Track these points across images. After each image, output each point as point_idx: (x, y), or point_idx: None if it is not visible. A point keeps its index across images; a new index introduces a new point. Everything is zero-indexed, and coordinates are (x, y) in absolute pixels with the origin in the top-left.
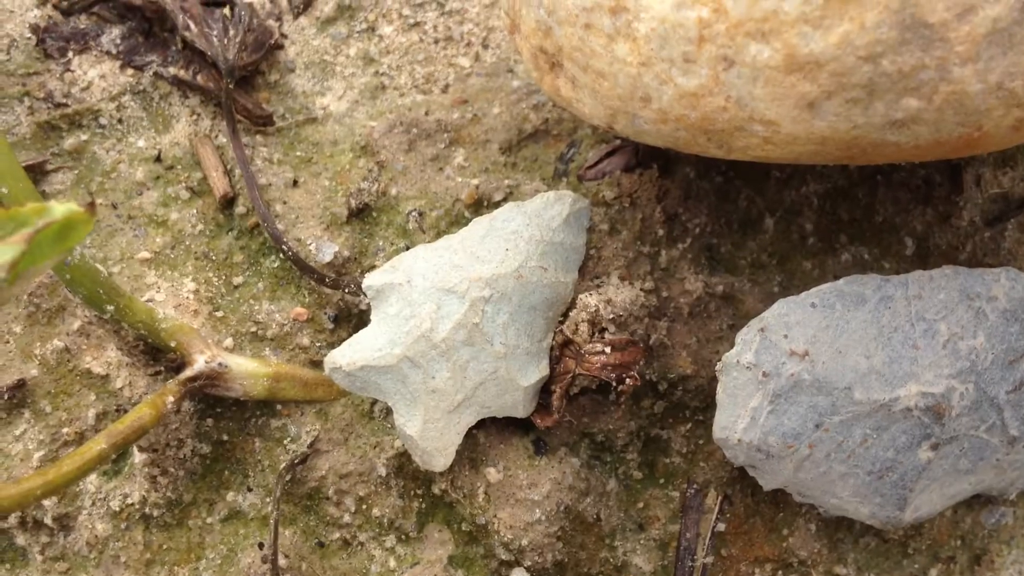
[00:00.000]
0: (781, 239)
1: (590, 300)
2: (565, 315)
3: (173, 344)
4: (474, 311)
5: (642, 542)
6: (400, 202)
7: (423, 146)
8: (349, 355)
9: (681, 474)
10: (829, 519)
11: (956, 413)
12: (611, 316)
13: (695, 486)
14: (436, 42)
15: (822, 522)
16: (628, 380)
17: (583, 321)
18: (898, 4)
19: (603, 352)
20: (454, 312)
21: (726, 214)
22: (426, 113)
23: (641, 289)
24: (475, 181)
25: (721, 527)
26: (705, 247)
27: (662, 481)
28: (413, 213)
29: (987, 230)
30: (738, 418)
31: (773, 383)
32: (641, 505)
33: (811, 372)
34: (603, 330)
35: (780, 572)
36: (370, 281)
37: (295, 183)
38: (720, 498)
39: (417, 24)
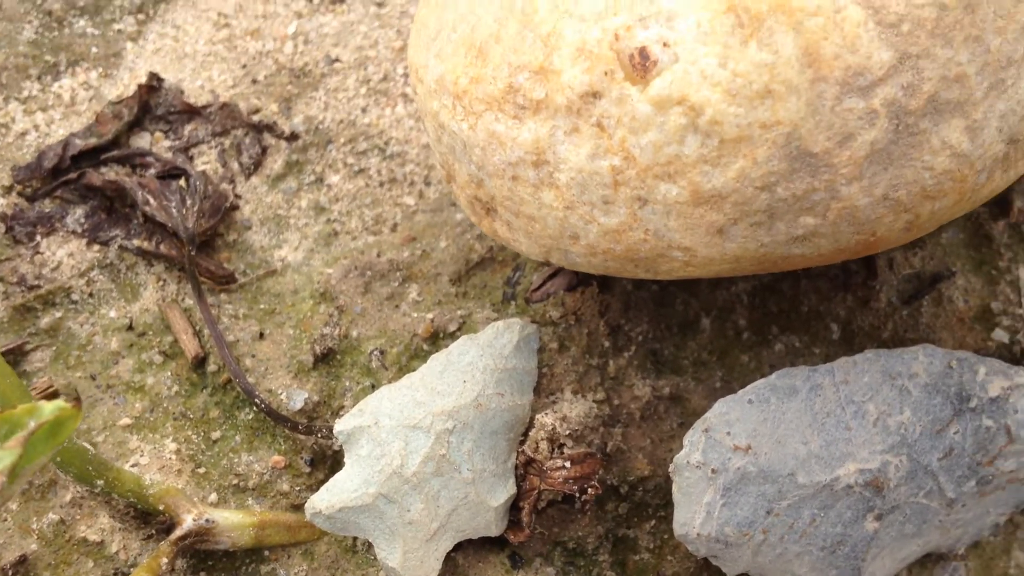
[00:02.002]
0: (718, 336)
1: (546, 420)
2: (525, 435)
3: (161, 507)
4: (440, 443)
5: None
6: (362, 343)
7: (378, 287)
8: (327, 499)
9: (651, 569)
10: None
11: (894, 484)
12: (567, 432)
13: None
14: (381, 185)
15: None
16: (590, 490)
17: (542, 439)
18: (784, 139)
19: (564, 467)
20: (421, 446)
21: (665, 319)
22: (378, 255)
23: (593, 400)
24: (429, 315)
25: None
26: (649, 352)
27: None
28: (375, 352)
29: (904, 308)
30: (695, 514)
31: (722, 478)
32: None
33: (755, 464)
34: (562, 445)
35: None
36: (340, 426)
37: (261, 335)
38: None
39: (362, 170)
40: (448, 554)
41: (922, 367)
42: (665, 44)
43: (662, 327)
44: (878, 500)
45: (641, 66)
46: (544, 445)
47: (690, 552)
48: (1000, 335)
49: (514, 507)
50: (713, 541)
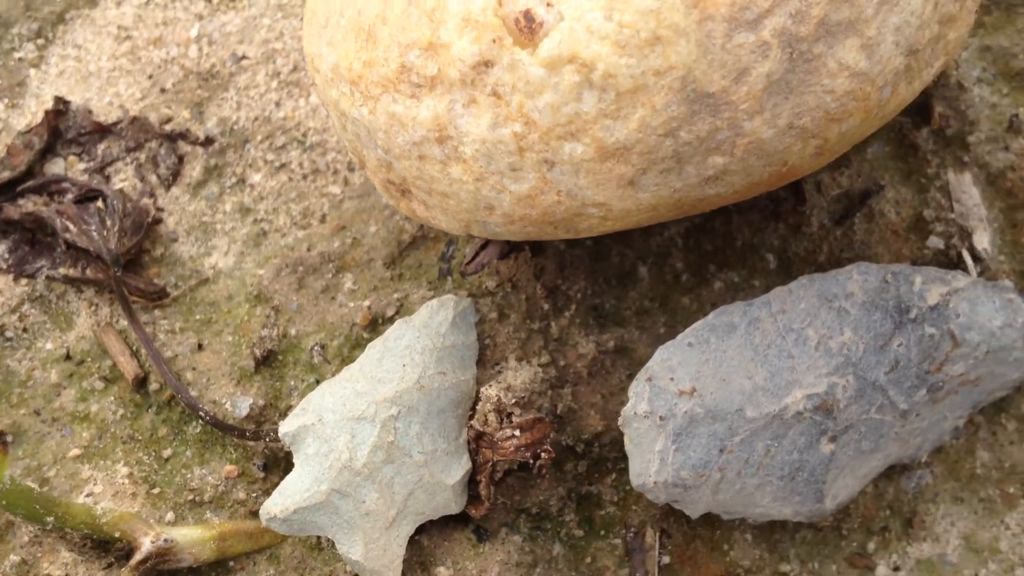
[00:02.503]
0: (657, 283)
1: (491, 392)
2: (474, 409)
3: (117, 534)
4: (386, 430)
5: None
6: (301, 340)
7: (312, 281)
8: (281, 503)
9: (618, 521)
10: (763, 525)
11: (844, 404)
12: (513, 400)
13: (633, 529)
14: (304, 177)
15: (757, 529)
16: (543, 454)
17: (490, 411)
18: (679, 84)
19: (514, 436)
20: (368, 437)
21: (602, 273)
22: (308, 249)
23: (538, 365)
24: (366, 303)
25: (666, 559)
26: (590, 308)
27: (603, 532)
28: (316, 347)
29: (837, 229)
30: (649, 463)
31: (671, 424)
32: (589, 560)
33: (702, 405)
34: (510, 414)
35: None
36: (285, 428)
37: (200, 347)
38: (658, 534)
39: (283, 165)
40: (412, 538)
41: (857, 286)
42: (549, 4)
43: (600, 281)
44: (830, 422)
45: (528, 29)
46: (492, 417)
47: None
48: (935, 242)
49: (472, 482)
50: (671, 486)
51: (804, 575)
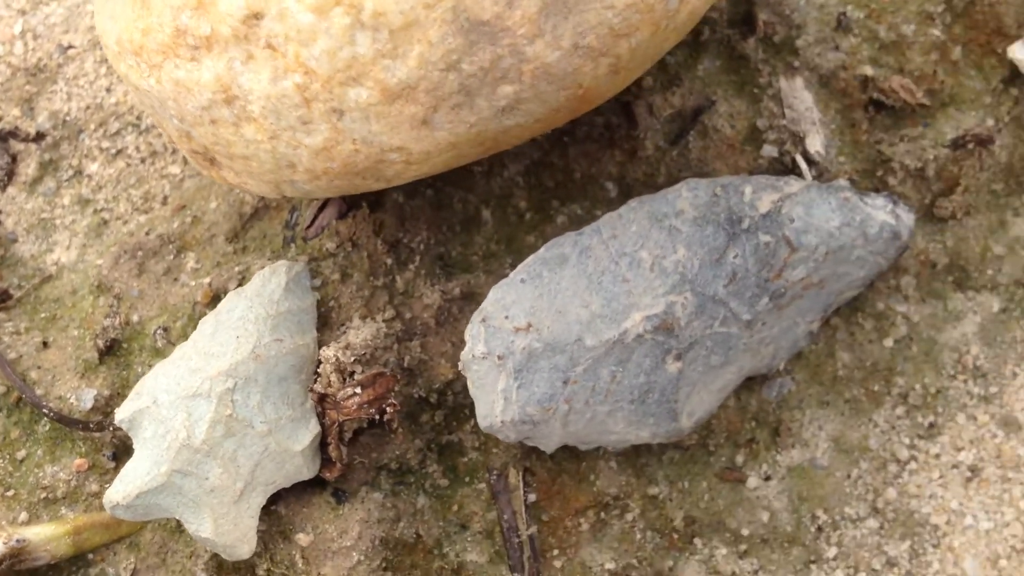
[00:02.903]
0: (501, 224)
1: (328, 352)
2: (317, 373)
3: None
4: (223, 404)
5: (469, 539)
6: (145, 325)
7: (153, 264)
8: (122, 489)
9: (481, 466)
10: (628, 451)
11: (685, 322)
12: (353, 358)
13: (495, 472)
14: (143, 161)
15: (622, 456)
16: (389, 409)
17: (330, 372)
18: (451, 15)
19: (355, 394)
20: (205, 413)
21: (445, 221)
22: (147, 233)
23: (383, 320)
24: (207, 279)
25: (532, 497)
26: (436, 258)
27: (467, 479)
28: (158, 331)
29: (673, 149)
30: (493, 404)
31: (510, 362)
32: (456, 507)
33: (540, 339)
34: (352, 373)
35: (602, 514)
36: (121, 415)
37: (45, 344)
38: (521, 473)
39: (120, 151)
40: (268, 508)
41: (687, 202)
42: None
43: (443, 230)
44: (673, 341)
45: None
46: (334, 377)
47: None
48: (769, 150)
49: (323, 445)
50: (519, 424)
51: (674, 495)
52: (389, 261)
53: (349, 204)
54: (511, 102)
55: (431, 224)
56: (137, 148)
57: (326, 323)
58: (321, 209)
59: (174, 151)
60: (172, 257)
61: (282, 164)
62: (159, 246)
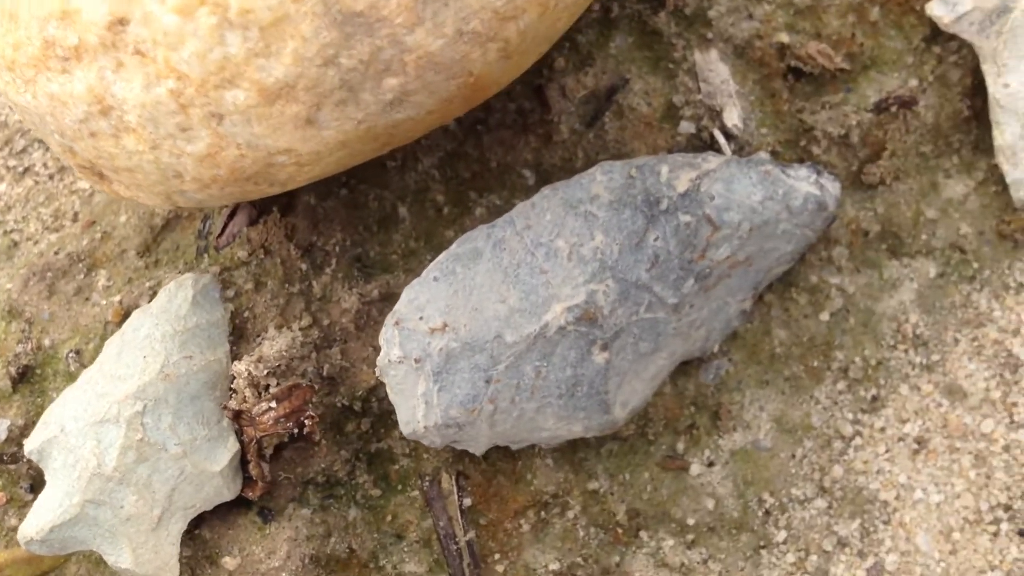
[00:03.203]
0: (419, 220)
1: (240, 366)
2: (233, 388)
3: None
4: (133, 429)
5: (406, 550)
6: (57, 349)
7: (63, 285)
8: (35, 523)
9: (413, 473)
10: (564, 447)
11: (608, 310)
12: (267, 371)
13: (427, 478)
14: (51, 178)
15: (558, 452)
16: (307, 421)
17: (244, 387)
18: (322, 7)
19: (271, 408)
20: (115, 439)
21: (361, 221)
22: (56, 252)
23: (299, 329)
24: (117, 297)
25: (468, 501)
26: (353, 260)
27: (400, 487)
28: (71, 355)
29: (589, 132)
30: (415, 409)
31: (428, 364)
32: (390, 517)
33: (457, 339)
34: (267, 387)
35: (542, 513)
36: (30, 446)
37: None
38: (454, 477)
39: (28, 169)
40: (192, 532)
41: (602, 186)
42: None
43: (360, 230)
44: (597, 331)
45: None
46: (249, 392)
47: None
48: (686, 127)
49: (244, 463)
50: (444, 428)
51: (615, 488)
52: (304, 266)
53: (259, 210)
54: (398, 95)
55: (346, 225)
56: (45, 165)
57: (242, 335)
58: (231, 217)
59: None
60: (83, 276)
61: (168, 174)
62: (68, 265)
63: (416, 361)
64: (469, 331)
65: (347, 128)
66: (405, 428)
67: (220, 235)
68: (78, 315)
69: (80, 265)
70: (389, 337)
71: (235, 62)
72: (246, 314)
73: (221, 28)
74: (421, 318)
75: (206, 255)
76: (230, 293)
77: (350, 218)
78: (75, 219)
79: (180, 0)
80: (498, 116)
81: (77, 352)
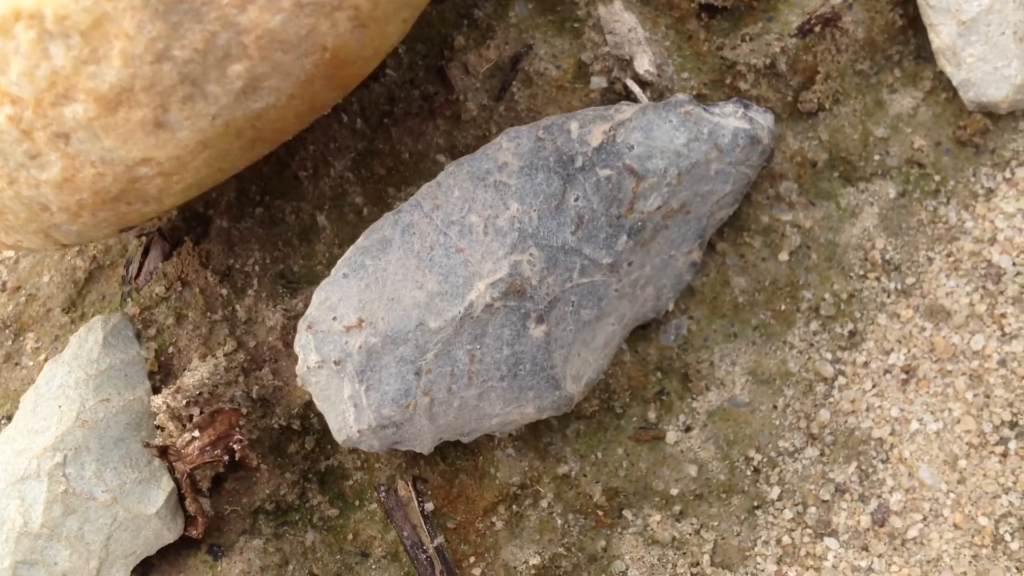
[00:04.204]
0: (340, 225)
1: (158, 400)
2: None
3: None
4: (55, 481)
5: (374, 567)
6: None
7: None
8: None
9: (368, 485)
10: (525, 434)
11: (537, 280)
12: (185, 402)
13: (383, 488)
14: None
15: (518, 441)
16: (236, 446)
17: (167, 421)
18: (140, 0)
19: (194, 438)
20: (39, 495)
21: (280, 236)
22: None
23: (223, 355)
24: (42, 357)
25: (430, 506)
26: (277, 276)
27: (357, 502)
28: (3, 421)
29: (499, 105)
30: (344, 414)
31: (349, 365)
32: (351, 536)
33: (376, 333)
34: (191, 417)
35: (513, 507)
36: None
37: None
38: (411, 482)
39: None
40: None
41: (509, 153)
42: None
43: (280, 246)
44: (529, 303)
45: None
46: (172, 425)
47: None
48: (597, 82)
49: (182, 501)
50: (379, 429)
51: (588, 469)
52: (224, 291)
53: (172, 243)
54: (248, 81)
55: (264, 243)
56: None
57: (169, 372)
58: (145, 254)
59: None
60: (11, 342)
61: (35, 209)
62: None
63: (336, 363)
64: (388, 323)
65: (202, 126)
66: (338, 436)
67: (137, 275)
68: (8, 380)
69: (7, 331)
70: (304, 343)
71: (64, 74)
72: (170, 350)
73: (42, 41)
74: (335, 318)
75: (129, 299)
76: (152, 332)
77: (268, 236)
78: (3, 288)
79: None
80: (403, 106)
81: (8, 418)
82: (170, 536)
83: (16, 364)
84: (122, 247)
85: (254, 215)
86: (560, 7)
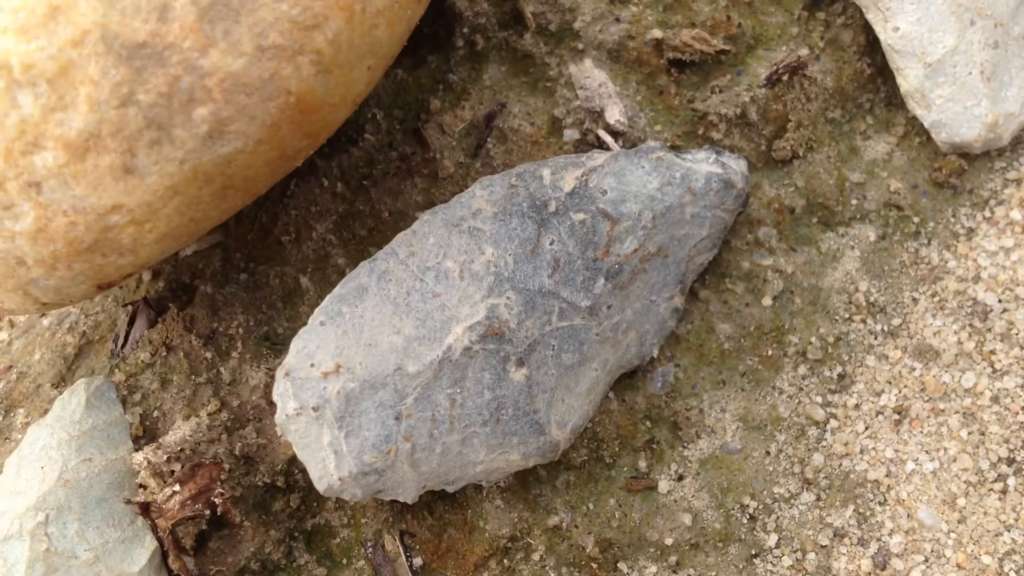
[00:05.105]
0: (324, 286)
1: (139, 456)
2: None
3: None
4: (37, 540)
5: None
6: None
7: None
8: None
9: (355, 542)
10: (513, 485)
11: (516, 323)
12: (166, 457)
13: (369, 544)
14: None
15: (505, 492)
16: (217, 499)
17: (148, 478)
18: (103, 45)
19: (175, 492)
20: (21, 555)
21: (265, 299)
22: None
23: (207, 414)
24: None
25: (419, 561)
26: (262, 339)
27: (344, 561)
28: None
29: (475, 162)
30: (325, 461)
31: (328, 411)
32: None
33: (354, 378)
34: (172, 473)
35: (504, 561)
36: None
37: None
38: (398, 536)
39: None
40: None
41: (483, 200)
42: None
43: (264, 309)
44: (508, 346)
45: None
46: (153, 482)
47: (379, 504)
48: (570, 134)
49: (166, 559)
50: (361, 477)
51: (579, 520)
52: (209, 354)
53: (158, 310)
54: (213, 125)
55: (248, 307)
56: None
57: (154, 436)
58: (131, 323)
59: (0, 317)
60: (1, 417)
61: (11, 263)
62: None
63: (315, 409)
64: (366, 368)
65: (171, 171)
66: (320, 484)
67: (123, 345)
68: (0, 455)
69: None
70: (282, 391)
71: (33, 122)
72: (155, 414)
73: (10, 90)
74: (312, 365)
75: (117, 369)
76: (137, 397)
77: (252, 299)
78: None
79: None
80: (382, 167)
81: None
82: None
83: (6, 439)
84: (111, 322)
85: (238, 281)
86: (532, 69)
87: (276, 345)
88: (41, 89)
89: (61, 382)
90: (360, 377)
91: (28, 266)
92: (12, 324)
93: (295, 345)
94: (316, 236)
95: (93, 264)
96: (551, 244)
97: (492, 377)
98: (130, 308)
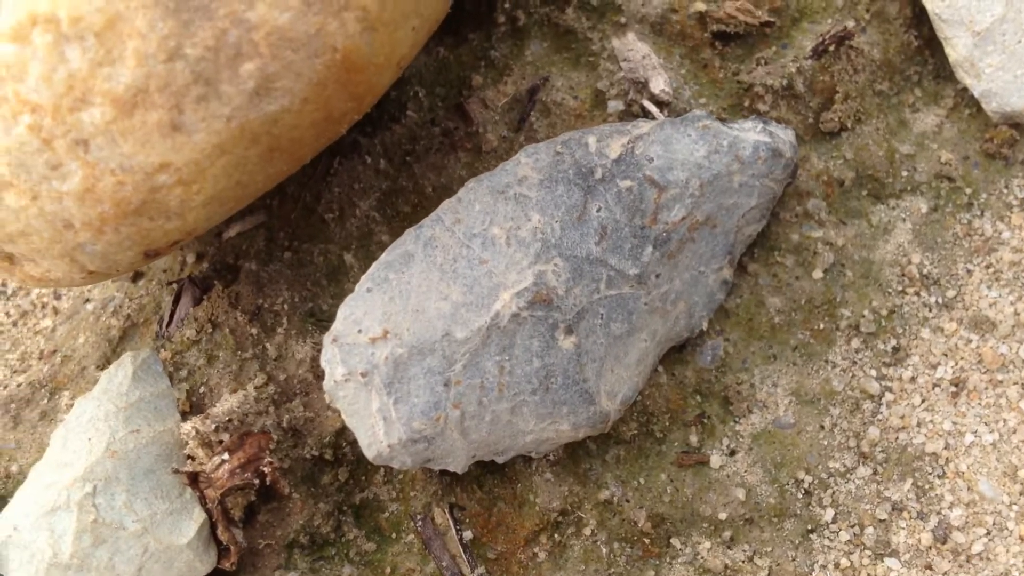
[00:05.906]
0: (368, 264)
1: (187, 426)
2: (189, 455)
3: None
4: (85, 511)
5: None
6: (25, 471)
7: (27, 413)
8: None
9: (404, 515)
10: (563, 459)
11: (564, 290)
12: (215, 427)
13: (419, 516)
14: (15, 324)
15: (555, 465)
16: (266, 469)
17: (196, 448)
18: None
19: (224, 461)
20: (68, 525)
21: (311, 276)
22: (18, 385)
23: (254, 388)
24: None
25: (468, 535)
26: (307, 315)
27: (394, 535)
28: None
29: (518, 135)
30: (374, 428)
31: (377, 376)
32: (390, 570)
33: (402, 344)
34: (221, 442)
35: (555, 535)
36: None
37: None
38: (447, 510)
39: None
40: None
41: (529, 168)
42: None
43: (308, 286)
44: (556, 313)
45: None
46: (201, 452)
47: (428, 475)
48: (615, 105)
49: (215, 531)
50: (410, 444)
51: (631, 495)
52: (255, 331)
53: (203, 288)
54: (260, 81)
55: (293, 284)
56: (7, 314)
57: (200, 411)
58: (176, 302)
59: (44, 304)
60: (46, 401)
61: (59, 227)
62: (31, 393)
63: (363, 375)
64: (413, 334)
65: (218, 128)
66: (369, 452)
67: (169, 323)
68: (43, 436)
69: (43, 391)
70: (330, 357)
71: (81, 77)
72: (202, 389)
73: (58, 44)
74: (360, 331)
75: (162, 348)
76: (183, 373)
77: (296, 277)
78: (41, 357)
79: (12, 26)
80: (424, 143)
81: None
82: (203, 568)
83: (52, 421)
84: (155, 305)
85: (283, 259)
86: (575, 44)
87: (321, 321)
88: (89, 43)
89: (106, 364)
90: (408, 343)
91: (76, 229)
92: (56, 312)
93: (342, 311)
94: (360, 213)
95: (140, 228)
96: (598, 211)
97: (540, 345)
98: (175, 285)
